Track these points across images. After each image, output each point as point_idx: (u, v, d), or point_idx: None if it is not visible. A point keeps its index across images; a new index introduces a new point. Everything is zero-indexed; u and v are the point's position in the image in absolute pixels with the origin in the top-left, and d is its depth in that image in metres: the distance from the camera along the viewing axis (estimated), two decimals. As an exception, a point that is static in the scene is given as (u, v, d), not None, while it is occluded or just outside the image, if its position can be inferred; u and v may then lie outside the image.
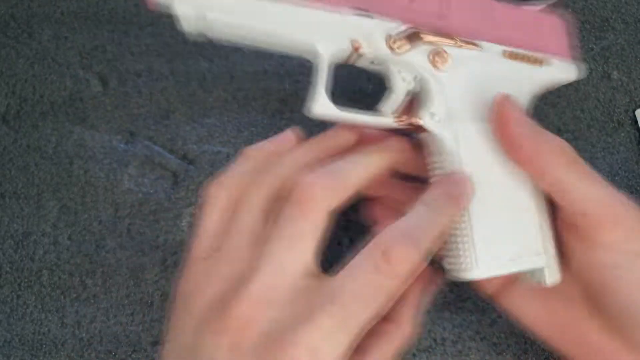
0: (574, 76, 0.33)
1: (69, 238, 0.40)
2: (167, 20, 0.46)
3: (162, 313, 0.38)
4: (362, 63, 0.30)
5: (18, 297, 0.39)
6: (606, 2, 0.47)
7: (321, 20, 0.26)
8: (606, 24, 0.46)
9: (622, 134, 0.43)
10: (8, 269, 0.40)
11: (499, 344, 0.37)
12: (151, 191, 0.42)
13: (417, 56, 0.28)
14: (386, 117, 0.29)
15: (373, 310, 0.24)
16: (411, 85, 0.30)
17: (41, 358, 0.38)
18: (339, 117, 0.28)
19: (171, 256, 0.40)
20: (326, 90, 0.28)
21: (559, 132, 0.43)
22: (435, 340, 0.37)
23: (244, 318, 0.24)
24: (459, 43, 0.29)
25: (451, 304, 0.38)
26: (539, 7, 0.33)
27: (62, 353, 0.38)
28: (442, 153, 0.29)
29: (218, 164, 0.42)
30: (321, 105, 0.27)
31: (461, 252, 0.29)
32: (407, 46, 0.28)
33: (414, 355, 0.37)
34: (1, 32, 0.46)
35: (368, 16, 0.27)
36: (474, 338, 0.37)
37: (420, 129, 0.29)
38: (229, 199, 0.29)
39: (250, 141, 0.43)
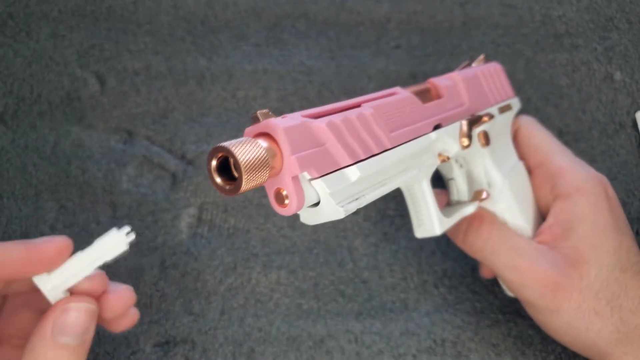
0: (518, 107, 0.37)
1: (68, 239, 0.40)
2: (165, 18, 0.46)
3: (161, 314, 0.38)
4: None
5: (17, 297, 0.39)
6: (611, 0, 0.46)
7: (419, 147, 0.27)
8: (610, 24, 0.46)
9: (623, 137, 0.43)
10: (7, 269, 0.40)
11: (498, 344, 0.37)
12: (149, 192, 0.41)
13: (475, 144, 0.32)
14: (471, 204, 0.32)
15: None
16: (465, 167, 0.33)
17: None
18: (451, 225, 0.30)
19: (170, 257, 0.40)
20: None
21: (560, 133, 0.43)
22: (434, 341, 0.37)
23: None
24: (486, 119, 0.32)
25: (450, 306, 0.38)
26: (479, 62, 0.36)
27: (61, 354, 0.38)
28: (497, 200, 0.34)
29: (217, 164, 0.42)
30: (440, 224, 0.29)
31: None
32: (467, 140, 0.30)
33: (414, 356, 0.37)
34: (-2, 30, 0.46)
35: (440, 128, 0.30)
36: (473, 339, 0.38)
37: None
38: None
39: (249, 141, 0.43)
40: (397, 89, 0.29)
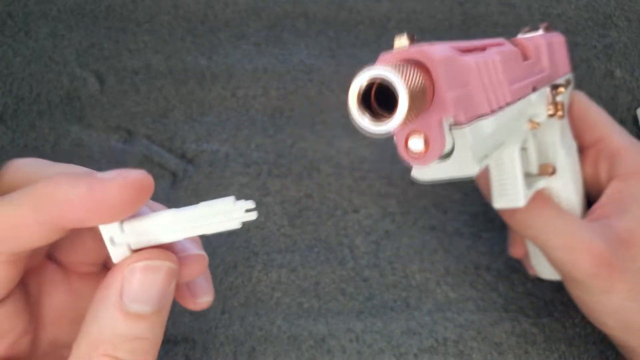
0: (573, 83, 0.36)
1: (67, 238, 0.40)
2: (164, 18, 0.46)
3: (162, 314, 0.38)
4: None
5: (16, 297, 0.39)
6: (609, -2, 0.47)
7: (524, 107, 0.25)
8: (609, 21, 0.46)
9: (625, 133, 0.43)
10: (6, 269, 0.40)
11: (501, 343, 0.37)
12: (150, 191, 0.41)
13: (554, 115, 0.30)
14: (542, 179, 0.30)
15: None
16: (536, 138, 0.31)
17: (40, 359, 0.37)
18: (530, 196, 0.28)
19: (170, 256, 0.40)
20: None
21: (561, 130, 0.43)
22: (437, 340, 0.37)
23: None
24: (563, 89, 0.29)
25: (453, 304, 0.38)
26: (544, 30, 0.34)
27: (60, 354, 0.37)
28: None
29: (217, 163, 0.42)
30: (525, 195, 0.27)
31: None
32: (553, 107, 0.28)
33: (415, 355, 0.37)
34: (-3, 30, 0.46)
35: (536, 90, 0.27)
36: (476, 338, 0.37)
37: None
38: None
39: (249, 140, 0.43)
40: (502, 39, 0.25)
